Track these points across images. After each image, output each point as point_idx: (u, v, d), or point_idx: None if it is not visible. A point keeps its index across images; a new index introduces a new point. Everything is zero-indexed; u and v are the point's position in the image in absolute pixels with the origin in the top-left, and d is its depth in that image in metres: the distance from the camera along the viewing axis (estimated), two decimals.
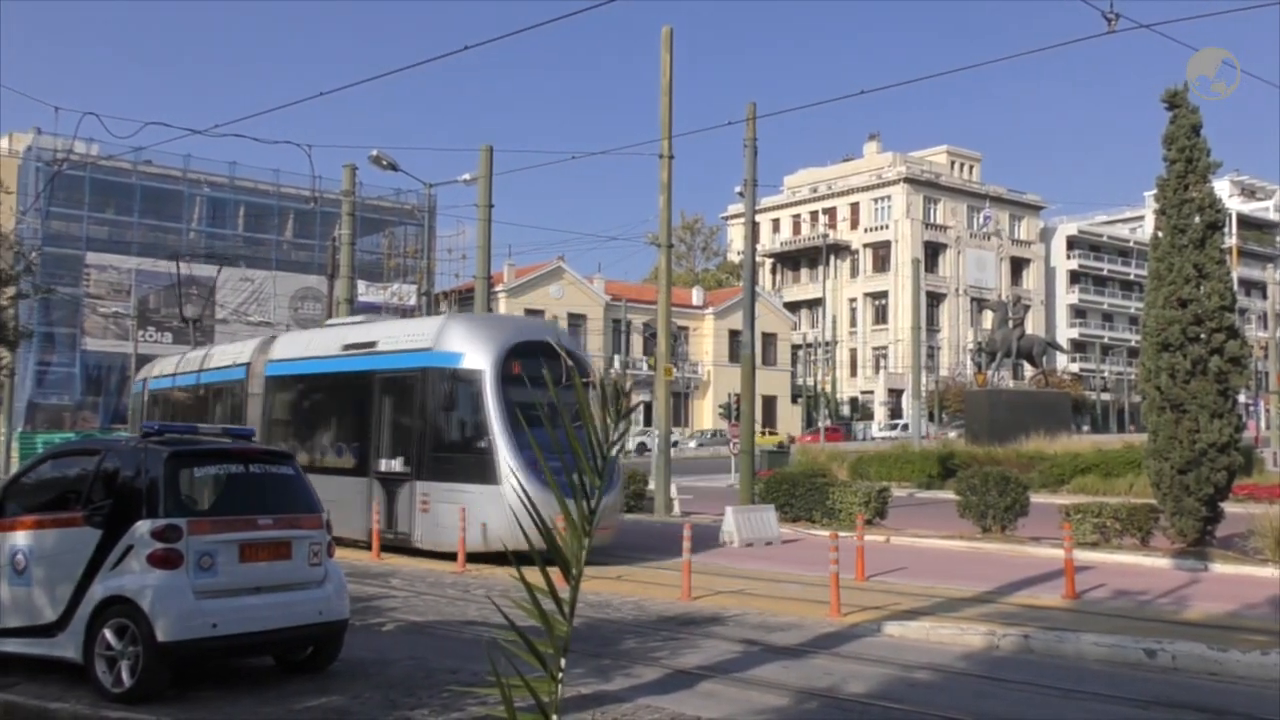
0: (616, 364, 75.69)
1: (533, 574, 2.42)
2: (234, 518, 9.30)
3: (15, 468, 45.76)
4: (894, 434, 73.78)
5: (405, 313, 65.35)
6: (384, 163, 34.14)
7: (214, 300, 60.93)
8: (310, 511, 9.88)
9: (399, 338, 19.55)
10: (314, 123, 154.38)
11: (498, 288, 68.69)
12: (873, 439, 74.54)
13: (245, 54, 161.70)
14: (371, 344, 19.97)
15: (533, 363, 17.84)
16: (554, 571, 2.30)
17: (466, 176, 36.61)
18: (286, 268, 65.41)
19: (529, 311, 73.66)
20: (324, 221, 61.22)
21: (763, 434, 67.54)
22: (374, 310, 65.12)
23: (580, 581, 2.30)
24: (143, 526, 8.98)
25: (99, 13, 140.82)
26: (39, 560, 9.57)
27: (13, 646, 9.64)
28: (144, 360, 54.40)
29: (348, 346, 20.47)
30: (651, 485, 28.84)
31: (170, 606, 8.75)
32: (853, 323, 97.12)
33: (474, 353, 18.02)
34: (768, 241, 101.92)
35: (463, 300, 64.79)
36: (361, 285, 64.04)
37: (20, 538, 9.75)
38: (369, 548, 19.42)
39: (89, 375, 58.66)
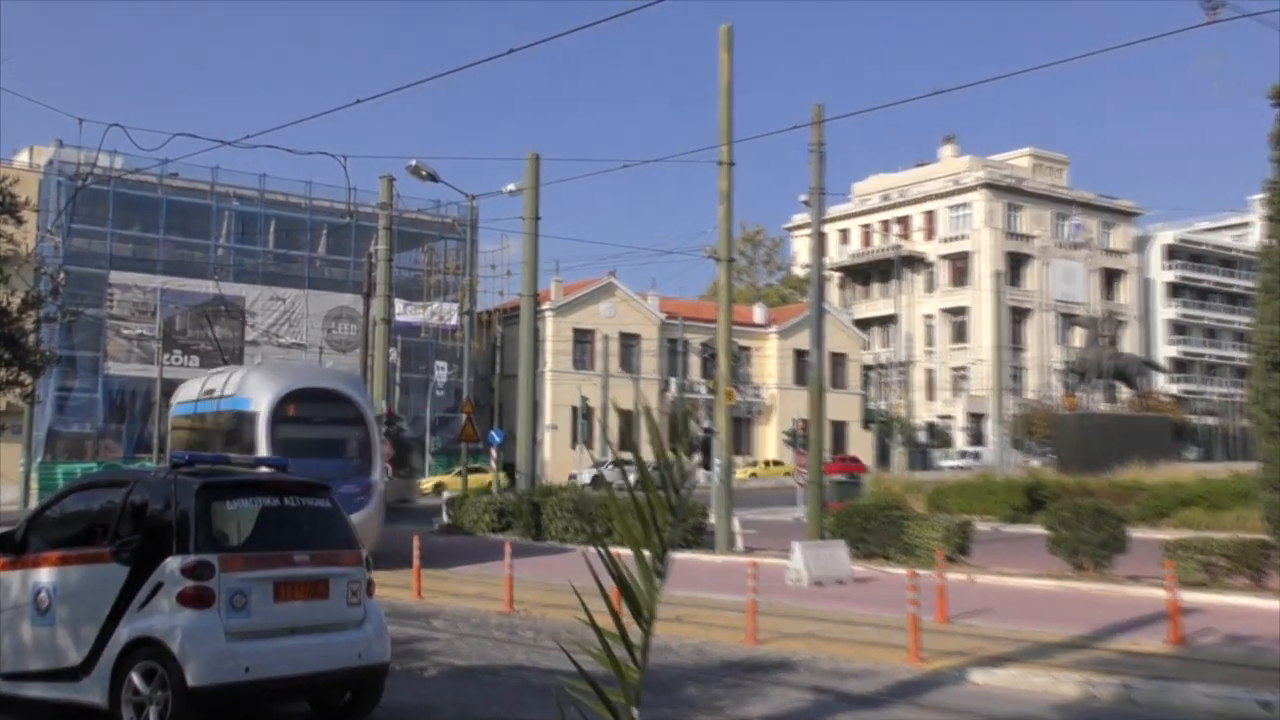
0: (673, 387, 75.73)
1: (597, 611, 2.42)
2: (269, 554, 9.40)
3: (35, 500, 46.64)
4: (965, 462, 72.98)
5: (445, 334, 65.99)
6: (423, 173, 34.53)
7: (244, 321, 61.89)
8: (349, 548, 9.96)
9: (227, 385, 25.38)
10: (349, 132, 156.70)
11: (545, 306, 69.02)
12: (939, 467, 73.91)
13: (277, 61, 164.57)
14: (212, 390, 25.91)
15: (308, 405, 24.10)
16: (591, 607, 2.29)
17: (511, 187, 36.92)
18: (320, 286, 66.26)
19: (578, 331, 73.93)
20: (359, 237, 62.00)
21: (839, 460, 67.18)
22: (413, 331, 65.96)
23: (653, 625, 2.31)
24: (172, 563, 9.11)
25: (125, 19, 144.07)
26: (63, 599, 9.73)
27: (36, 691, 9.79)
28: (170, 386, 55.27)
29: (205, 391, 26.21)
30: (711, 519, 28.79)
31: (201, 648, 8.86)
32: (929, 341, 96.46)
33: (256, 398, 24.03)
34: (836, 254, 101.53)
35: (507, 320, 65.21)
36: (399, 304, 64.74)
37: (44, 575, 9.93)
38: None
39: (112, 401, 59.62)
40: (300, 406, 24.26)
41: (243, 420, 23.97)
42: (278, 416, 23.85)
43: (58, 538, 10.17)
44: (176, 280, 61.63)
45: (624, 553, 2.51)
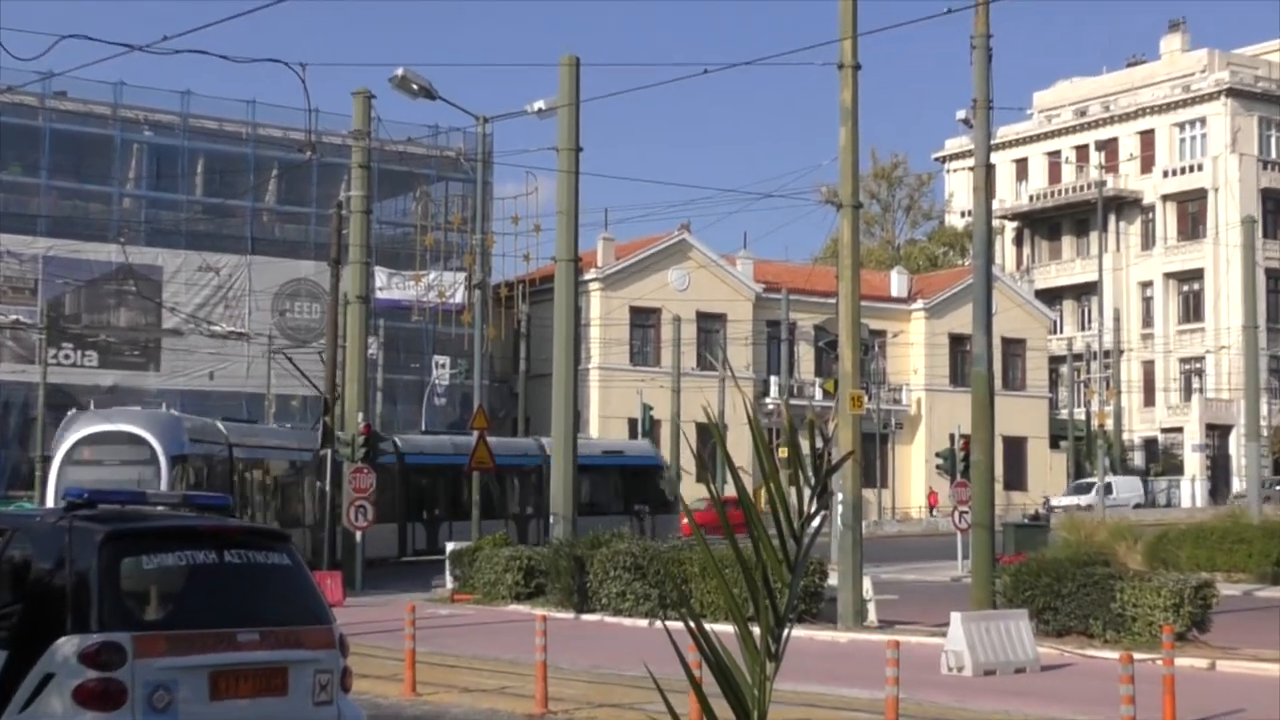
0: (774, 389, 75.63)
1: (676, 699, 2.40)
2: (203, 632, 9.48)
3: None
4: (1199, 496, 72.14)
5: (448, 316, 66.28)
6: (415, 87, 34.77)
7: (160, 302, 62.53)
8: (317, 622, 10.04)
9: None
10: (310, 32, 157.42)
11: (589, 275, 69.20)
12: (1162, 504, 73.04)
13: None
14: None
15: (102, 448, 34.85)
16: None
17: (540, 105, 37.15)
18: (269, 250, 66.95)
19: (637, 311, 73.97)
20: (325, 180, 62.57)
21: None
22: (402, 313, 66.35)
23: None
24: (67, 646, 9.20)
25: None
26: None
27: None
28: (58, 393, 55.90)
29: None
30: (831, 579, 28.69)
31: None
32: (1147, 320, 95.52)
33: (59, 441, 35.79)
34: (1009, 195, 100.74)
35: (536, 296, 65.41)
36: (382, 275, 65.35)
37: None
38: None
39: None
40: (96, 450, 34.71)
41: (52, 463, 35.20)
42: (70, 459, 34.22)
43: None
44: (65, 243, 62.40)
45: (715, 629, 2.50)
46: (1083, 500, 69.92)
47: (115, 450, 34.84)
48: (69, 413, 40.05)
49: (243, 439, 41.00)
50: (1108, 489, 67.69)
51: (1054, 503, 71.88)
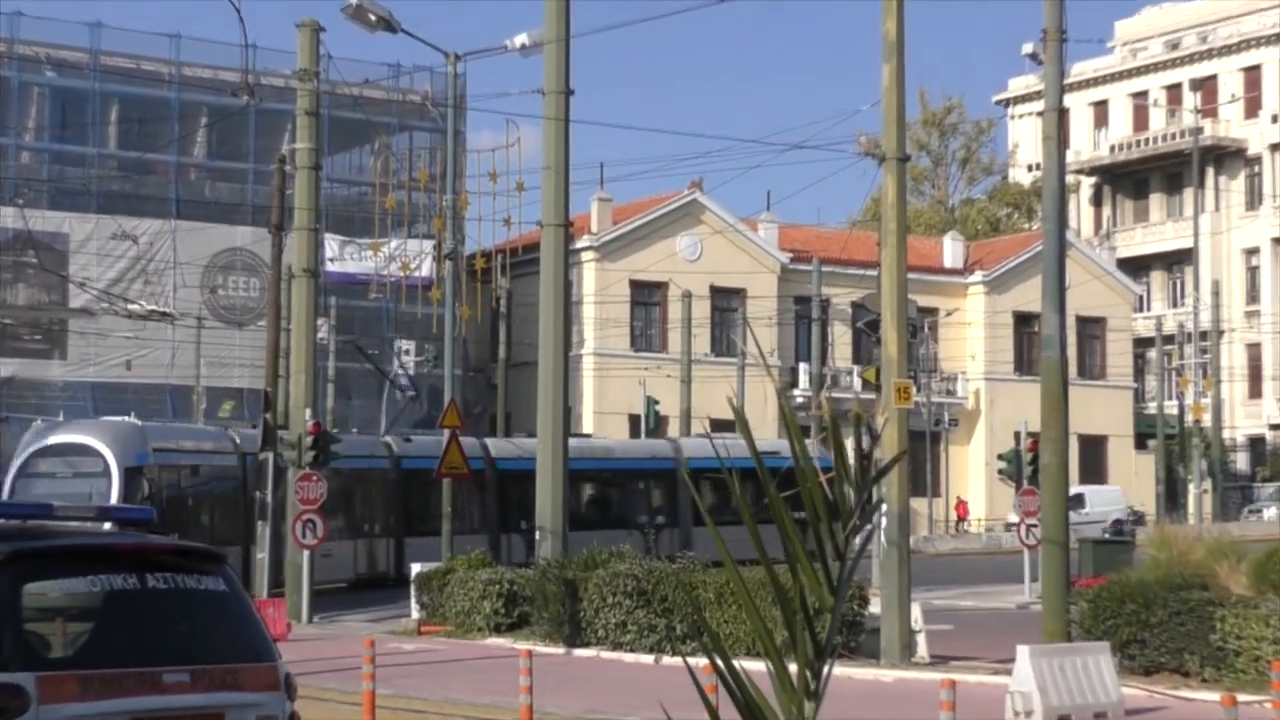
0: (803, 380, 75.54)
1: None
2: (121, 672, 9.47)
3: None
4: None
5: (409, 291, 66.28)
6: (372, 17, 34.78)
7: (66, 276, 62.48)
8: (258, 659, 10.05)
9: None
10: None
11: (582, 242, 69.08)
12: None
13: None
14: None
15: (56, 460, 40.12)
16: None
17: (522, 40, 37.22)
18: (197, 214, 66.84)
19: (639, 286, 73.91)
20: (264, 130, 62.59)
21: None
22: (358, 289, 66.28)
23: None
24: None
25: None
26: None
27: None
28: None
29: None
30: (874, 606, 28.72)
31: None
32: (1252, 296, 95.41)
33: (17, 454, 41.06)
34: (1085, 145, 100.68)
35: (518, 268, 65.34)
36: (333, 244, 65.25)
37: None
38: None
39: None
40: (50, 462, 40.05)
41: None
42: (24, 472, 39.57)
43: None
44: None
45: (747, 666, 2.50)
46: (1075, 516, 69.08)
47: (69, 462, 40.03)
48: (35, 422, 44.83)
49: (251, 447, 42.86)
50: (1078, 501, 65.74)
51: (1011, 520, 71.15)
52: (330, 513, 39.96)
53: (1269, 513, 77.21)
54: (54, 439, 40.86)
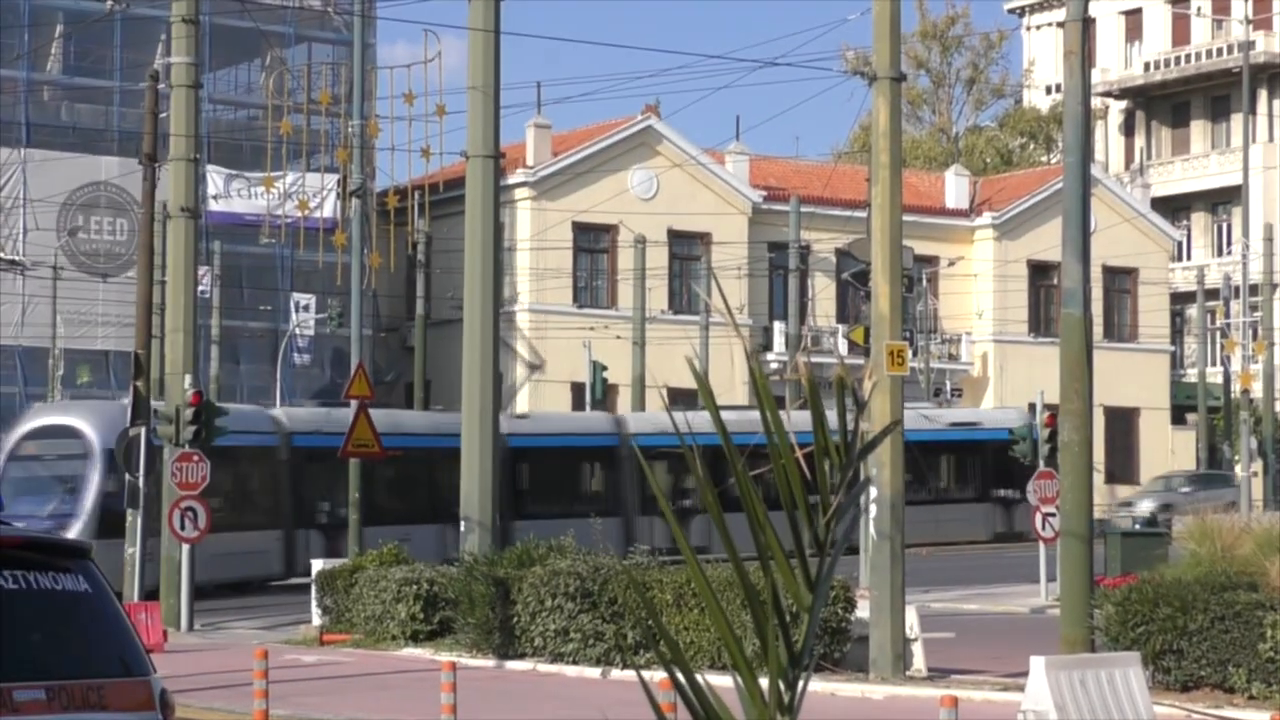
0: (778, 342, 75.65)
1: None
2: None
3: None
4: None
5: (309, 235, 66.20)
6: None
7: None
8: (127, 673, 10.06)
9: None
10: None
11: (514, 177, 69.00)
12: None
13: None
14: None
15: (43, 443, 46.54)
16: None
17: None
18: (54, 142, 66.66)
19: (583, 229, 73.88)
20: (134, 41, 62.32)
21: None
22: (247, 232, 66.14)
23: None
24: None
25: None
26: None
27: None
28: None
29: None
30: (861, 610, 28.84)
31: None
32: None
33: (7, 439, 48.33)
34: (1116, 63, 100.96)
35: (439, 208, 65.26)
36: (217, 178, 65.03)
37: None
38: None
39: None
40: (38, 444, 46.35)
41: None
42: (13, 455, 45.77)
43: None
44: None
45: (711, 680, 2.53)
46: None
47: (53, 445, 46.71)
48: (31, 405, 52.38)
49: (300, 425, 48.28)
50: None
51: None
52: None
53: None
54: (39, 421, 47.96)
